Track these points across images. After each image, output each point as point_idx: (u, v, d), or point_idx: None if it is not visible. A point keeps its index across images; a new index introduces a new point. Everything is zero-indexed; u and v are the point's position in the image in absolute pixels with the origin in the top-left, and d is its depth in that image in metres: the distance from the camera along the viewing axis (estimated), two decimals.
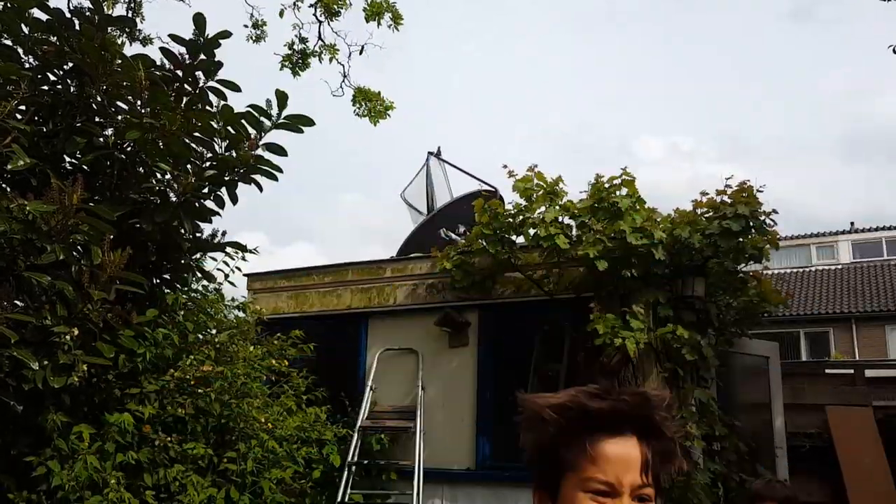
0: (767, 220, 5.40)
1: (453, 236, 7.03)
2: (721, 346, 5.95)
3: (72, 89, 3.91)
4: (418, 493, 5.65)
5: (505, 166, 6.06)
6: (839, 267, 24.29)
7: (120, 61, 3.88)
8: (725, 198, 5.45)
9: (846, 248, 25.08)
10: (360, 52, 7.75)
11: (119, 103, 3.96)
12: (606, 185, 5.69)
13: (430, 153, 8.30)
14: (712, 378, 5.72)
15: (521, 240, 6.08)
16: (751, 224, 5.30)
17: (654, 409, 1.16)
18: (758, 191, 5.39)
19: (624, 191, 5.66)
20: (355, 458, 5.76)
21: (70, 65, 3.89)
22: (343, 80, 7.79)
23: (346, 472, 5.63)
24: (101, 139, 3.86)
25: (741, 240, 5.36)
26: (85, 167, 3.81)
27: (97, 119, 3.92)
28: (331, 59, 7.64)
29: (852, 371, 8.17)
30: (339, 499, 5.48)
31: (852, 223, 25.71)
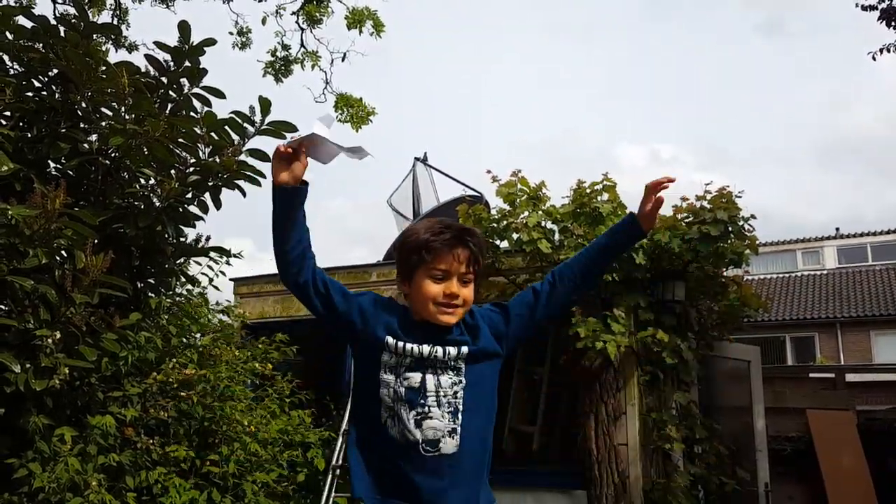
0: (746, 226, 5.48)
1: None
2: (702, 350, 6.03)
3: (57, 95, 3.93)
4: None
5: (489, 171, 6.14)
6: (825, 272, 24.50)
7: (104, 68, 3.91)
8: (705, 203, 5.53)
9: (832, 253, 25.30)
10: (343, 59, 7.82)
11: (104, 109, 3.99)
12: (588, 191, 5.76)
13: (416, 158, 8.35)
14: (693, 381, 5.79)
15: (504, 244, 6.14)
16: (730, 229, 5.38)
17: (471, 233, 1.99)
18: (736, 196, 5.47)
19: (605, 196, 5.74)
20: (339, 462, 5.79)
21: (55, 71, 3.92)
22: (325, 87, 7.84)
23: (330, 476, 5.66)
24: (86, 145, 3.89)
25: (720, 244, 5.44)
26: (69, 172, 3.84)
27: (82, 125, 3.95)
28: (313, 66, 7.69)
29: (834, 375, 8.28)
30: (323, 502, 5.51)
31: (837, 229, 25.94)
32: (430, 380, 1.92)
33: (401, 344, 1.92)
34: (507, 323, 2.06)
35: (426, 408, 1.90)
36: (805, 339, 21.83)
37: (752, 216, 5.48)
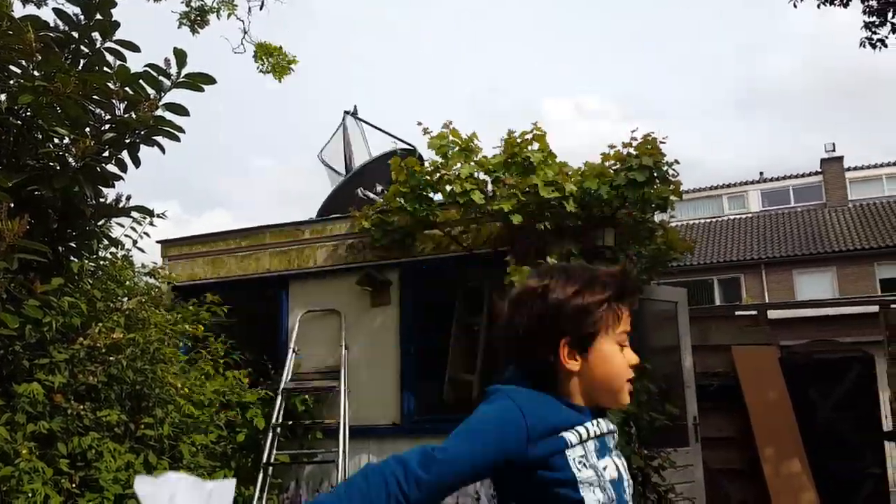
0: (670, 171, 5.60)
1: (371, 195, 7.04)
2: None
3: None
4: (345, 450, 5.75)
5: (419, 123, 6.10)
6: (749, 215, 25.38)
7: (9, 23, 3.71)
8: (631, 150, 5.63)
9: (756, 197, 26.22)
10: (261, 8, 7.55)
11: (11, 67, 3.80)
12: (518, 141, 5.79)
13: (346, 112, 8.23)
14: None
15: (438, 197, 6.14)
16: (655, 175, 5.49)
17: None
18: (661, 142, 5.58)
19: (535, 146, 5.78)
20: (279, 420, 5.81)
21: None
22: (244, 37, 7.53)
23: (270, 434, 5.68)
24: None
25: (646, 190, 5.55)
26: None
27: None
28: (229, 15, 7.38)
29: (756, 313, 8.62)
30: (264, 460, 5.53)
31: (761, 173, 26.85)
32: (619, 463, 1.49)
33: (582, 429, 1.43)
34: None
35: (626, 499, 1.46)
36: (731, 280, 22.69)
37: (676, 161, 5.61)
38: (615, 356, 1.48)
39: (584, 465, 1.41)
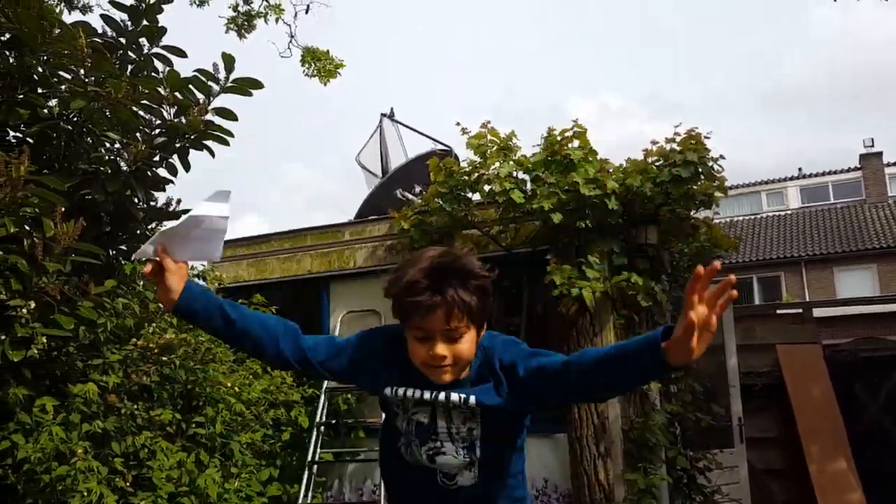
0: (715, 167, 5.52)
1: (410, 197, 7.06)
2: (675, 292, 6.11)
3: (11, 60, 3.81)
4: None
5: (458, 124, 6.10)
6: (789, 212, 24.95)
7: (59, 30, 3.78)
8: (675, 146, 5.55)
9: (795, 193, 25.75)
10: (307, 11, 7.62)
11: (62, 73, 3.88)
12: (558, 138, 5.76)
13: (383, 115, 8.26)
14: (667, 323, 5.88)
15: (476, 197, 6.13)
16: (700, 170, 5.42)
17: (452, 273, 1.67)
18: (705, 137, 5.51)
19: (576, 143, 5.74)
20: (323, 419, 5.84)
21: (7, 35, 3.79)
22: (290, 41, 7.64)
23: (314, 433, 5.72)
24: (46, 110, 3.78)
25: (691, 186, 5.48)
26: (30, 140, 3.74)
27: (39, 90, 3.83)
28: (276, 20, 7.48)
29: (801, 311, 8.47)
30: (309, 458, 5.57)
31: (800, 169, 26.38)
32: (441, 418, 1.79)
33: (400, 391, 1.80)
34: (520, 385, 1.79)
35: (438, 443, 1.79)
36: (771, 278, 22.31)
37: (721, 156, 5.52)
38: (413, 346, 1.73)
39: (397, 406, 1.82)
